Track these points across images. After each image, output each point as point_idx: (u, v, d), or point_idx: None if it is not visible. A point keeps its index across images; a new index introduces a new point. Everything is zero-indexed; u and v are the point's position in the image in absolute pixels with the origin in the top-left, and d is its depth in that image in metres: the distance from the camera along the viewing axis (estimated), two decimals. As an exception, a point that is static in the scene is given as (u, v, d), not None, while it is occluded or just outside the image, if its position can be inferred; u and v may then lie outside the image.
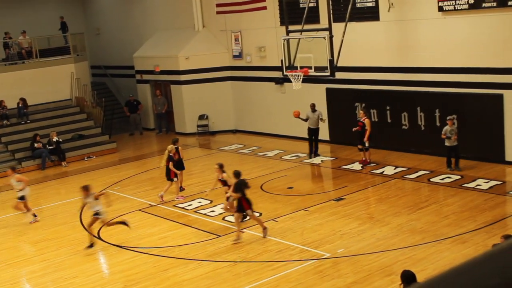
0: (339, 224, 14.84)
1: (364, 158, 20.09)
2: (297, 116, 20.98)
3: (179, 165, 18.70)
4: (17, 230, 17.00)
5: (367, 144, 19.84)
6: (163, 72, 28.17)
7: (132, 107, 29.23)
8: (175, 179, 18.14)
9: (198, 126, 27.25)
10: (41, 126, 25.78)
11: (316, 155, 21.56)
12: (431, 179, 17.77)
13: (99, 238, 15.48)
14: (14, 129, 25.60)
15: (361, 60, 21.56)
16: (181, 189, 18.80)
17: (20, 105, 25.78)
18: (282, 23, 22.73)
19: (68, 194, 19.93)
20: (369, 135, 19.62)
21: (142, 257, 14.00)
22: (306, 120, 21.39)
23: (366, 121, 19.74)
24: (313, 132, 21.54)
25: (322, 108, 22.99)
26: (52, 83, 27.40)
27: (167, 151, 18.21)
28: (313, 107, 21.37)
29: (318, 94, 23.00)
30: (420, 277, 10.04)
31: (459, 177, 17.63)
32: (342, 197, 16.91)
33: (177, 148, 18.67)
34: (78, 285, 12.88)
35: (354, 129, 20.07)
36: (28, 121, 26.04)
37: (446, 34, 19.16)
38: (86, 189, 14.74)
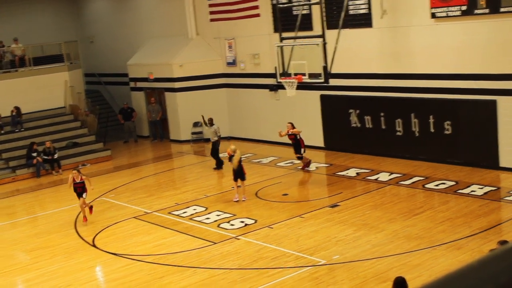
0: (334, 230, 14.84)
1: (303, 165, 20.73)
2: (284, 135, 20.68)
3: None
4: (11, 239, 16.95)
5: (303, 153, 20.41)
6: (157, 80, 28.17)
7: (126, 114, 29.20)
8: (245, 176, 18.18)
9: (192, 133, 27.25)
10: (35, 134, 25.73)
11: (219, 167, 21.96)
12: (426, 185, 17.79)
13: (94, 245, 15.46)
14: (8, 137, 25.54)
15: (355, 67, 21.61)
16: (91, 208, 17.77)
17: (13, 113, 25.75)
18: (275, 30, 22.78)
19: (63, 202, 19.88)
20: (303, 143, 20.34)
21: (137, 264, 13.97)
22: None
23: (295, 131, 20.25)
24: (213, 145, 22.05)
25: (317, 114, 23.06)
26: (46, 91, 27.35)
27: (238, 151, 18.05)
28: (210, 122, 22.14)
29: (312, 101, 23.05)
30: (416, 284, 10.06)
31: (453, 183, 17.66)
32: (337, 204, 16.92)
33: (79, 171, 17.84)
34: (73, 293, 12.87)
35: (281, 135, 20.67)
36: (22, 129, 25.99)
37: (439, 41, 19.23)
38: None
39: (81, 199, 17.29)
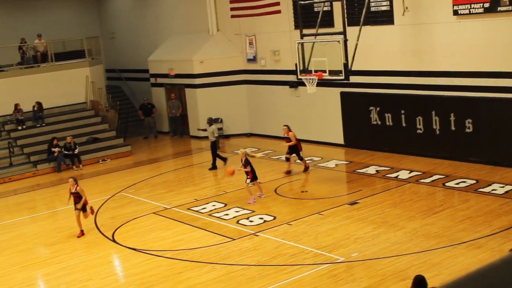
0: (353, 228, 14.80)
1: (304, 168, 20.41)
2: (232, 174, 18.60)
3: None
4: (32, 233, 17.10)
5: (302, 155, 20.21)
6: (177, 76, 28.25)
7: (147, 110, 29.32)
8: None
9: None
10: (56, 129, 25.93)
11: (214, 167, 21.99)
12: (446, 184, 17.67)
13: (114, 240, 15.55)
14: (29, 132, 25.76)
15: (376, 64, 21.51)
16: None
17: (35, 109, 25.96)
18: (296, 27, 22.74)
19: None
20: (300, 147, 20.14)
21: (156, 260, 14.03)
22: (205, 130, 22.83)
23: (291, 135, 20.03)
24: (211, 145, 22.12)
25: (337, 111, 23.00)
26: (67, 86, 27.55)
27: (250, 152, 17.98)
28: (209, 122, 22.41)
29: (332, 98, 22.98)
30: (435, 282, 10.00)
31: (474, 181, 17.53)
32: (356, 201, 16.86)
33: (75, 180, 16.38)
34: (92, 287, 12.93)
35: (284, 145, 20.52)
36: (44, 124, 26.20)
37: (461, 38, 19.08)
38: None
39: (85, 213, 16.18)
